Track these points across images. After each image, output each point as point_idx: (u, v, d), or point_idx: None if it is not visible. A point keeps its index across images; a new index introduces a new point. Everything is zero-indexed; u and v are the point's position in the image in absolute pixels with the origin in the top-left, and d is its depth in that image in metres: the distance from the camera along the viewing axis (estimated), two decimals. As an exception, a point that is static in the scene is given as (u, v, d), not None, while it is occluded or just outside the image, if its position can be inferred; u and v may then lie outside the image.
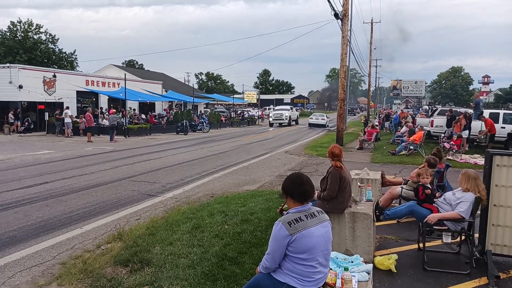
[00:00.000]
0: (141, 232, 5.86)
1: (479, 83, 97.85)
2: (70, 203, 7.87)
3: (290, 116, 40.00)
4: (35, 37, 48.95)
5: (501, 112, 18.33)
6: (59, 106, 26.09)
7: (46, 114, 25.93)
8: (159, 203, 8.03)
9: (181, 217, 6.60)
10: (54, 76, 27.14)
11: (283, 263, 2.75)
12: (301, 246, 2.68)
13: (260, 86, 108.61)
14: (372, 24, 46.40)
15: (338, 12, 18.43)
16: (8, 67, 25.90)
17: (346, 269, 3.26)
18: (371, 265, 3.98)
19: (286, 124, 39.01)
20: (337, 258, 3.93)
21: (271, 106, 66.47)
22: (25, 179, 10.15)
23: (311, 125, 38.05)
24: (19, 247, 5.55)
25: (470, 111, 19.02)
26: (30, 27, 48.78)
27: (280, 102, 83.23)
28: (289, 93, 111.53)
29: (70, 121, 23.31)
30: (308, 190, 2.87)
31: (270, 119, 40.58)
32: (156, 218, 6.68)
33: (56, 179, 10.16)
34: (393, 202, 6.77)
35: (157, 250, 5.09)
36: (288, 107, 44.81)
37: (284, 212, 4.26)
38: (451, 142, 14.70)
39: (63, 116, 23.25)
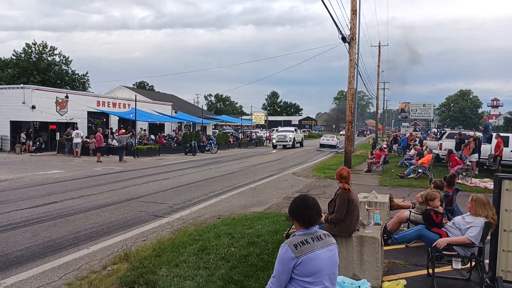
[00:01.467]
0: (147, 253, 5.85)
1: (488, 106, 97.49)
2: (78, 223, 7.91)
3: (294, 138, 38.63)
4: (49, 58, 50.24)
5: (511, 135, 18.16)
6: (69, 126, 26.48)
7: (58, 134, 26.34)
8: (166, 224, 8.03)
9: (188, 238, 6.59)
10: (67, 97, 27.70)
11: (289, 286, 2.73)
12: (307, 269, 2.67)
13: (268, 108, 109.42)
14: (379, 47, 46.88)
15: (345, 36, 18.72)
16: (22, 87, 26.54)
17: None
18: (379, 290, 3.92)
19: (290, 146, 37.75)
20: (344, 283, 3.88)
21: (279, 128, 66.29)
22: (34, 198, 10.25)
23: (322, 146, 39.57)
24: (26, 266, 5.57)
25: (479, 134, 18.88)
26: (45, 49, 50.14)
27: (288, 123, 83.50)
28: (297, 114, 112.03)
29: (80, 141, 23.61)
30: (313, 215, 2.87)
31: (273, 141, 39.20)
32: (163, 239, 6.68)
33: (65, 199, 10.24)
34: (402, 226, 6.70)
35: (163, 272, 5.07)
36: (292, 128, 43.25)
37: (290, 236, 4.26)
38: (459, 166, 14.53)
39: (72, 136, 23.55)
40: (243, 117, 58.94)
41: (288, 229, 4.60)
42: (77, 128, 24.63)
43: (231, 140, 39.10)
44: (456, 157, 14.86)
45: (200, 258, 5.57)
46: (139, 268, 5.20)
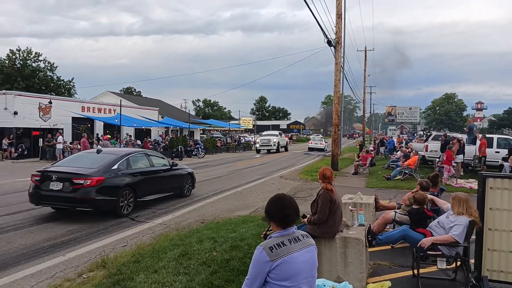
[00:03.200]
0: (126, 259, 5.64)
1: (472, 109, 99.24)
2: (55, 229, 7.64)
3: (278, 142, 37.34)
4: (34, 65, 49.46)
5: (495, 136, 18.36)
6: (51, 132, 25.98)
7: (40, 140, 25.79)
8: (148, 229, 7.80)
9: (169, 243, 6.38)
10: (50, 102, 27.19)
11: (264, 290, 2.59)
12: (283, 273, 2.52)
13: (257, 113, 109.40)
14: (365, 51, 47.29)
15: (331, 40, 18.76)
16: (4, 93, 25.95)
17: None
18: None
19: (274, 150, 36.49)
20: (324, 286, 3.75)
21: (263, 132, 65.83)
22: (12, 205, 9.91)
23: (310, 149, 39.38)
24: (-3, 276, 5.31)
25: (462, 136, 19.04)
26: (29, 55, 49.36)
27: (276, 128, 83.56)
28: (285, 119, 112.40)
29: (62, 147, 23.16)
30: (290, 214, 2.73)
31: (257, 145, 37.73)
32: (143, 245, 6.47)
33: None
34: (387, 227, 6.60)
35: (141, 278, 4.87)
36: (276, 132, 42.08)
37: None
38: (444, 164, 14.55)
39: (53, 142, 23.11)
40: (231, 122, 58.76)
41: (265, 229, 4.46)
42: (60, 134, 24.14)
43: (219, 144, 38.85)
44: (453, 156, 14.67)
45: (180, 264, 5.38)
46: (116, 275, 4.99)
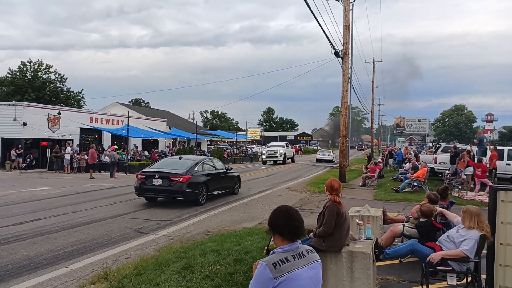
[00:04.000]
0: (128, 271, 5.54)
1: (482, 121, 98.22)
2: (59, 240, 7.59)
3: (285, 153, 37.15)
4: (44, 76, 50.19)
5: (506, 148, 18.05)
6: (59, 142, 26.15)
7: (49, 151, 25.99)
8: (151, 241, 7.72)
9: (172, 256, 6.28)
10: (59, 113, 27.45)
11: (266, 307, 2.47)
12: (287, 291, 2.41)
13: (264, 124, 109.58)
14: (373, 63, 47.27)
15: (338, 51, 18.76)
16: (13, 104, 26.31)
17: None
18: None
19: (281, 162, 36.37)
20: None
21: (270, 143, 65.54)
22: (17, 215, 9.89)
23: (318, 161, 40.18)
24: (-2, 287, 5.25)
25: (473, 147, 18.76)
26: (40, 67, 50.15)
27: (283, 139, 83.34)
28: (293, 130, 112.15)
29: (69, 158, 23.31)
30: (298, 226, 2.60)
31: (263, 156, 37.51)
32: (146, 257, 6.37)
33: (49, 216, 9.90)
34: (395, 240, 6.44)
35: (142, 291, 4.77)
36: (283, 143, 41.79)
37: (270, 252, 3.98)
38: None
39: (61, 153, 23.28)
40: (238, 133, 58.78)
41: (268, 244, 4.33)
42: (68, 145, 24.31)
43: (226, 155, 38.81)
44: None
45: (183, 277, 5.27)
46: (117, 288, 4.90)
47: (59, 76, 51.50)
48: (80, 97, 53.41)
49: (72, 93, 52.71)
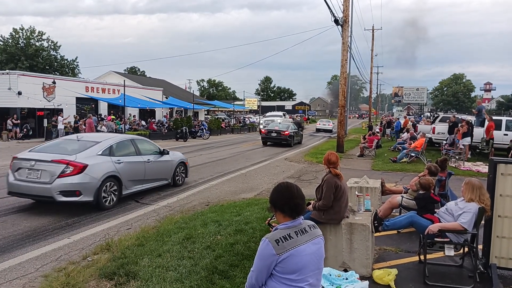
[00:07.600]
0: (130, 242, 5.63)
1: (480, 90, 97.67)
2: (60, 211, 7.64)
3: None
4: (37, 44, 49.12)
5: (504, 119, 18.06)
6: (56, 112, 25.91)
7: (45, 120, 25.80)
8: (152, 212, 7.80)
9: (173, 226, 6.36)
10: (54, 82, 27.05)
11: (270, 283, 2.51)
12: (289, 266, 2.43)
13: (262, 93, 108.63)
14: (373, 30, 46.39)
15: (338, 18, 18.32)
16: (7, 73, 25.83)
17: None
18: (367, 282, 3.74)
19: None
20: (330, 275, 3.69)
21: (267, 113, 65.08)
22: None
23: (318, 130, 40.91)
24: (2, 258, 5.33)
25: (471, 117, 18.76)
26: (33, 34, 48.98)
27: (281, 108, 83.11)
28: (291, 99, 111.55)
29: (63, 127, 23.16)
30: (299, 203, 2.61)
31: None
32: (147, 228, 6.45)
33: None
34: (394, 211, 6.53)
35: (145, 262, 4.86)
36: (280, 113, 41.85)
37: (273, 225, 4.03)
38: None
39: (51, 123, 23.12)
40: (235, 103, 58.38)
41: (269, 218, 4.38)
42: (59, 115, 24.02)
43: (223, 125, 38.71)
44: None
45: (184, 247, 5.36)
46: (120, 259, 4.98)
47: (52, 44, 50.49)
48: (74, 65, 52.63)
49: (66, 61, 51.86)
